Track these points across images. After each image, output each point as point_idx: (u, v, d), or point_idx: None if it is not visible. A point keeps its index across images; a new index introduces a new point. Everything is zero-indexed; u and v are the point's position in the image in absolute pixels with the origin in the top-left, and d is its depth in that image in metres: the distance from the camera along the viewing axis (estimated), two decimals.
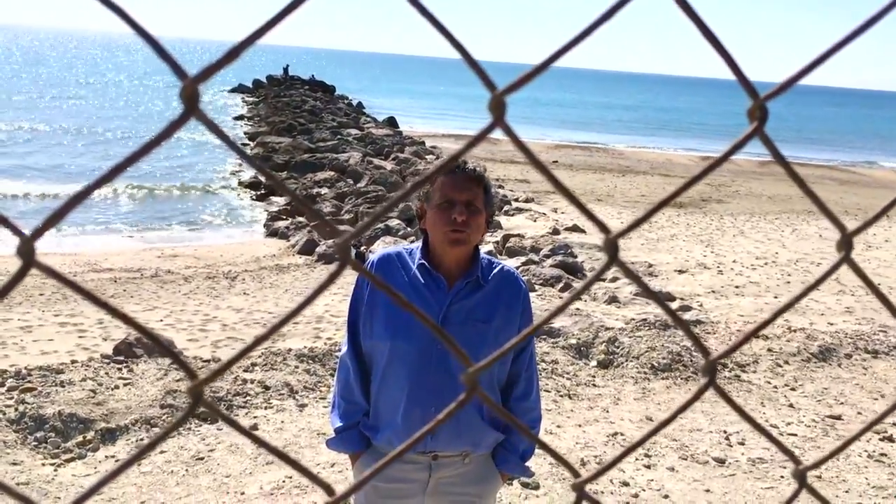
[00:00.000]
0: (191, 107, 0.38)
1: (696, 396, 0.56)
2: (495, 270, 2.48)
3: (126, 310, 6.63)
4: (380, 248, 2.63)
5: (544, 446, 0.58)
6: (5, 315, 8.79)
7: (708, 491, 4.68)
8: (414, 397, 2.37)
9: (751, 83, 0.48)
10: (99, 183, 0.37)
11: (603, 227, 0.49)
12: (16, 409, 4.89)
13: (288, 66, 56.29)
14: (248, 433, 0.47)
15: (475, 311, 2.40)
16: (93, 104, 38.30)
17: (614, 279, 10.51)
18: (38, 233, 0.38)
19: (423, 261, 2.42)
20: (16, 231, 0.38)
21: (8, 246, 13.52)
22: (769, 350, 7.39)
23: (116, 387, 5.39)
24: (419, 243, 2.48)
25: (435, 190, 2.38)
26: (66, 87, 48.68)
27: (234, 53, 0.38)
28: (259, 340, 0.45)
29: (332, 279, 0.44)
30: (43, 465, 4.49)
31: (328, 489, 0.48)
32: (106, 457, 4.64)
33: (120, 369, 5.74)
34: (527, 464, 2.57)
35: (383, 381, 2.44)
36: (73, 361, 5.99)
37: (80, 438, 4.73)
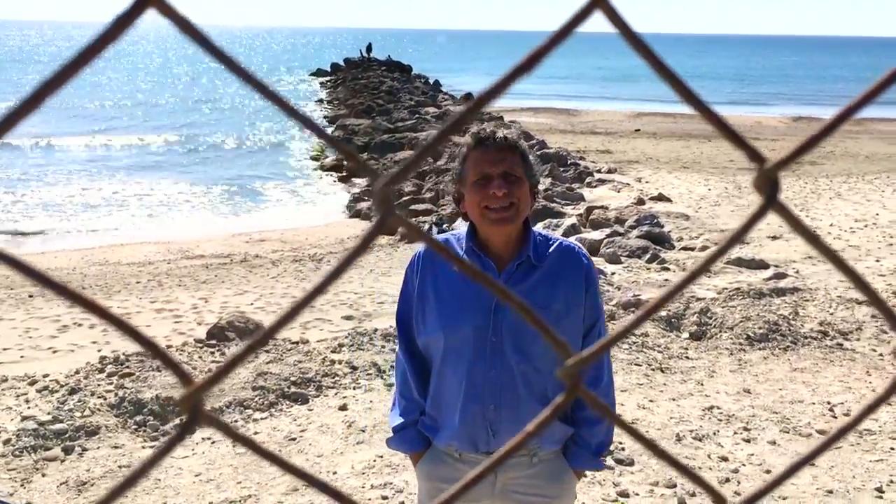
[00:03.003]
0: None
1: (890, 392, 0.45)
2: (552, 247, 2.25)
3: (218, 294, 6.81)
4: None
5: (684, 469, 0.48)
6: (105, 304, 9.10)
7: (813, 465, 4.47)
8: (471, 394, 2.21)
9: None
10: (36, 98, 0.30)
11: (755, 155, 0.39)
12: (115, 394, 5.06)
13: (370, 44, 55.37)
14: (254, 445, 0.40)
15: (532, 296, 2.16)
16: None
17: (703, 248, 10.18)
18: None
19: (470, 245, 2.22)
20: None
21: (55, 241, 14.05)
22: (873, 316, 7.03)
23: (209, 370, 5.51)
24: (465, 228, 2.29)
25: (468, 168, 2.19)
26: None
27: None
28: (285, 320, 0.38)
29: (370, 238, 0.36)
30: (143, 447, 4.62)
31: None
32: (203, 438, 4.75)
33: (213, 353, 5.87)
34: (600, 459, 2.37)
35: (440, 377, 2.29)
36: (168, 346, 6.16)
37: (177, 421, 4.85)
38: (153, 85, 48.11)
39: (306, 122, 0.37)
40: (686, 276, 0.40)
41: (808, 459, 0.46)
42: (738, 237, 0.40)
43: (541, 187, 14.18)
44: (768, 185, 0.39)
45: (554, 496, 2.31)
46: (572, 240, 2.42)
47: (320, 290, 0.36)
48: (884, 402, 0.45)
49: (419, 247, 2.37)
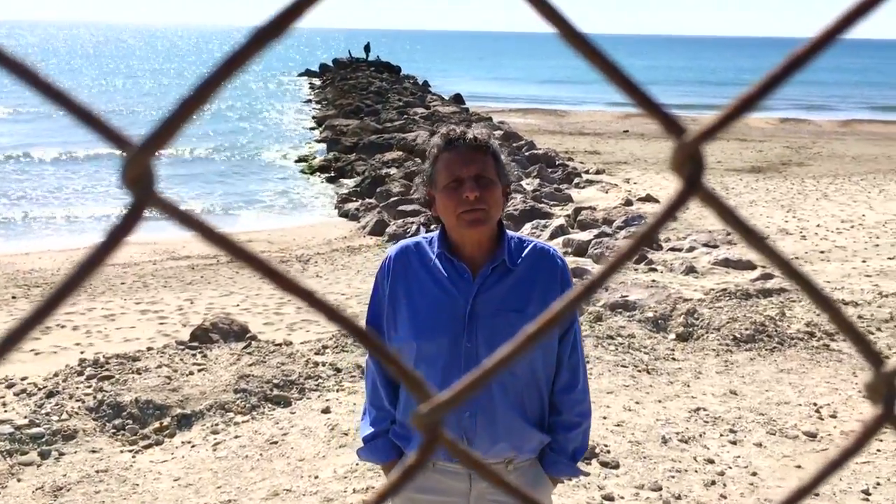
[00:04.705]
0: None
1: (871, 432, 0.39)
2: (527, 250, 2.21)
3: (204, 296, 6.73)
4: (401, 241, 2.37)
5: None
6: (89, 304, 9.03)
7: (799, 467, 4.44)
8: None
9: None
10: None
11: (672, 126, 0.33)
12: (94, 398, 4.97)
13: (369, 43, 54.58)
14: None
15: (507, 300, 2.14)
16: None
17: (691, 248, 10.16)
18: None
19: (441, 250, 2.18)
20: None
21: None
22: (859, 317, 7.02)
23: (191, 373, 5.44)
24: (438, 231, 2.24)
25: (438, 171, 2.13)
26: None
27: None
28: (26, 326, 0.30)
29: (122, 230, 0.29)
30: (121, 451, 4.55)
31: None
32: (182, 442, 4.68)
33: (194, 355, 5.79)
34: (578, 465, 2.31)
35: None
36: (149, 349, 6.08)
37: (156, 425, 4.78)
38: (148, 89, 47.88)
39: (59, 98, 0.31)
40: (593, 280, 0.35)
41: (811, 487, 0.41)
42: (652, 232, 0.34)
43: (529, 188, 14.17)
44: (689, 165, 0.32)
45: None
46: (556, 241, 2.37)
47: (53, 304, 0.29)
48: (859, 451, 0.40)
49: (388, 249, 2.30)
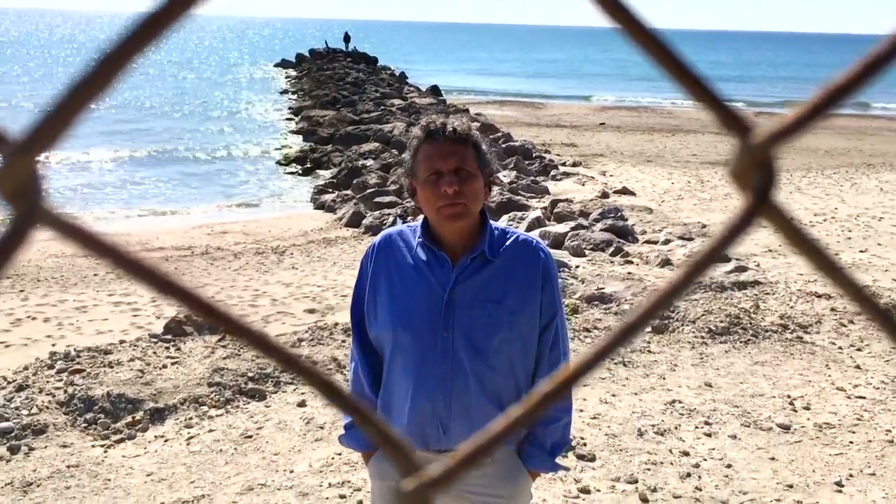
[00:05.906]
0: None
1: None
2: (509, 241, 2.20)
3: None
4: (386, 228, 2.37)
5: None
6: (61, 296, 8.91)
7: (773, 459, 4.48)
8: (420, 390, 2.16)
9: None
10: None
11: (736, 124, 0.29)
12: (65, 391, 4.90)
13: (347, 33, 54.28)
14: None
15: (485, 291, 2.14)
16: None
17: (666, 241, 10.21)
18: None
19: (423, 238, 2.19)
20: None
21: None
22: (832, 310, 7.08)
23: (164, 366, 5.37)
24: (421, 220, 2.25)
25: (418, 163, 2.13)
26: None
27: None
28: None
29: (6, 250, 0.23)
30: (93, 446, 4.48)
31: None
32: (155, 437, 4.62)
33: (167, 348, 5.72)
34: (557, 459, 2.31)
35: (390, 372, 2.24)
36: (122, 341, 6.00)
37: (129, 419, 4.71)
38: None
39: None
40: (637, 317, 0.32)
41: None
42: (711, 258, 0.30)
43: (506, 180, 14.16)
44: (757, 174, 0.27)
45: (508, 496, 2.25)
46: (533, 234, 2.36)
47: None
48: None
49: (375, 238, 2.30)
